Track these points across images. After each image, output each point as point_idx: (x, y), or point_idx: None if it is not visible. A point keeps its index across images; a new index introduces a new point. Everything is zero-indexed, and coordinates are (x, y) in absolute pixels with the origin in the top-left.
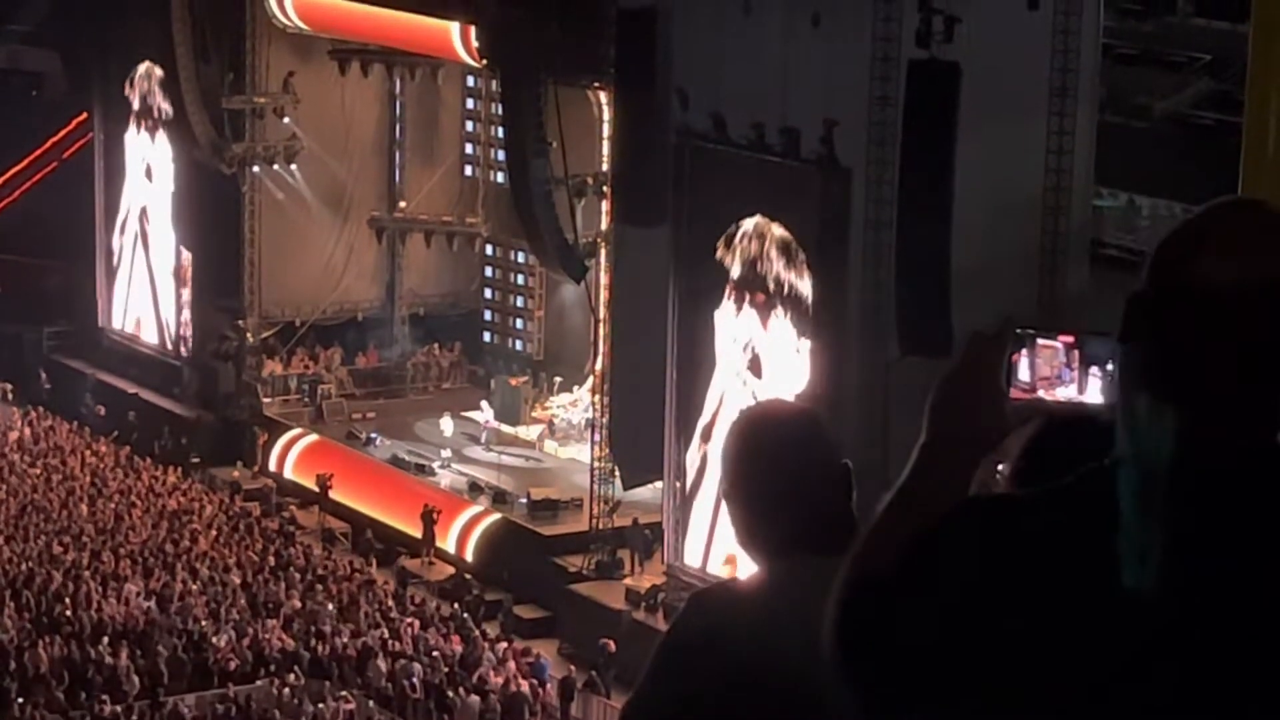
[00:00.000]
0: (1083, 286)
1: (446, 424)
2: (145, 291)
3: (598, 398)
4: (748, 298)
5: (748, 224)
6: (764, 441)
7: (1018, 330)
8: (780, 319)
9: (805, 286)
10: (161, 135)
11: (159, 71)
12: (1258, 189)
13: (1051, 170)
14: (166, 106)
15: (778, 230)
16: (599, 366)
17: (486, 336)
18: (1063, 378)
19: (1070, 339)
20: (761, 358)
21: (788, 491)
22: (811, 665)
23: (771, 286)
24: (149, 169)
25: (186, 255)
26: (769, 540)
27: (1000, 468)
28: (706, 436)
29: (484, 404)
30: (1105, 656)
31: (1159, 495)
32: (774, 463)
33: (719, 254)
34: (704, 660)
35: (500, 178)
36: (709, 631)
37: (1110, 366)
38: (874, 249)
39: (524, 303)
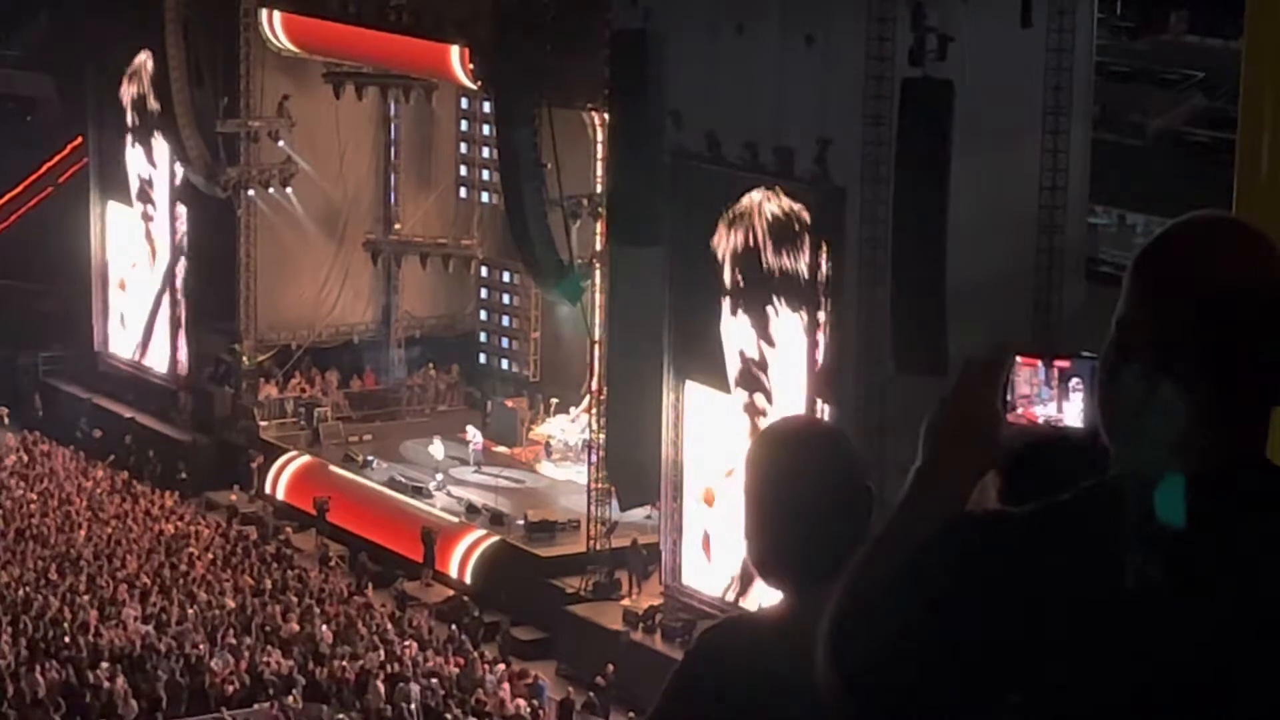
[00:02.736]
0: (1078, 304)
1: (437, 448)
2: (141, 315)
3: (594, 419)
4: (741, 302)
5: (738, 208)
6: (796, 462)
7: (1015, 354)
8: (778, 314)
9: (804, 264)
10: (156, 158)
11: (152, 95)
12: (1251, 206)
13: (1046, 188)
14: (160, 130)
15: (770, 207)
16: (595, 387)
17: (482, 358)
18: (1042, 396)
19: (1066, 364)
20: (769, 363)
21: (821, 515)
22: None
23: (764, 278)
24: (143, 192)
25: (182, 279)
26: (799, 568)
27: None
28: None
29: (469, 426)
30: (1105, 669)
31: (1159, 508)
32: (807, 484)
33: (714, 240)
34: (725, 694)
35: (495, 199)
36: (730, 664)
37: (1084, 385)
38: (869, 267)
39: (520, 324)
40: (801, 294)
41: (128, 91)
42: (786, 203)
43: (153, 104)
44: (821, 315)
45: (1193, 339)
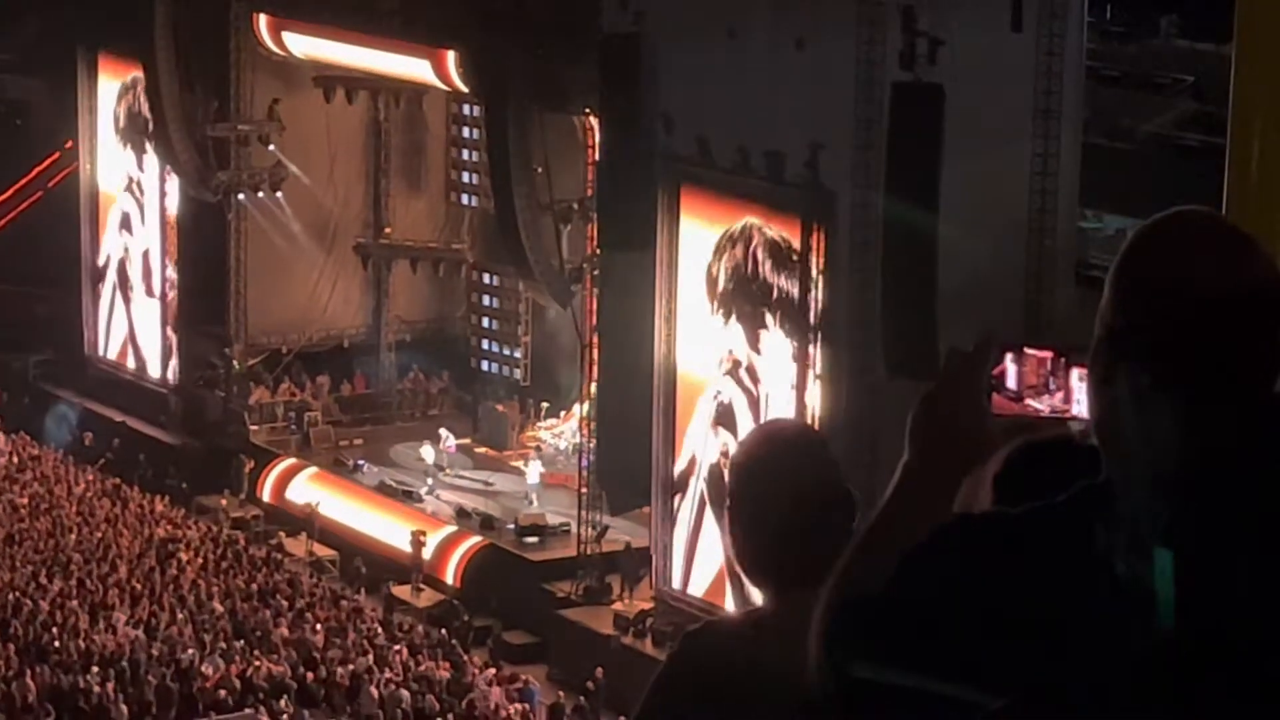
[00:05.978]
0: (1069, 308)
1: (427, 451)
2: (131, 319)
3: (585, 422)
4: (734, 310)
5: (735, 226)
6: (780, 465)
7: (999, 348)
8: (772, 329)
9: (798, 289)
10: (146, 163)
11: (143, 99)
12: (1242, 210)
13: (1036, 192)
14: (150, 134)
15: (770, 232)
16: (586, 391)
17: (473, 362)
18: (1050, 386)
19: (1050, 354)
20: (757, 371)
21: (806, 519)
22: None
23: (759, 293)
24: (133, 196)
25: (173, 283)
26: (781, 571)
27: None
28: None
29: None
30: (1102, 671)
31: (1154, 508)
32: (793, 488)
33: (709, 264)
34: (708, 695)
35: (486, 203)
36: (713, 665)
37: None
38: (859, 271)
39: (510, 328)
40: (793, 315)
41: (118, 96)
42: (780, 229)
43: (143, 108)
44: (812, 336)
45: (1178, 339)
